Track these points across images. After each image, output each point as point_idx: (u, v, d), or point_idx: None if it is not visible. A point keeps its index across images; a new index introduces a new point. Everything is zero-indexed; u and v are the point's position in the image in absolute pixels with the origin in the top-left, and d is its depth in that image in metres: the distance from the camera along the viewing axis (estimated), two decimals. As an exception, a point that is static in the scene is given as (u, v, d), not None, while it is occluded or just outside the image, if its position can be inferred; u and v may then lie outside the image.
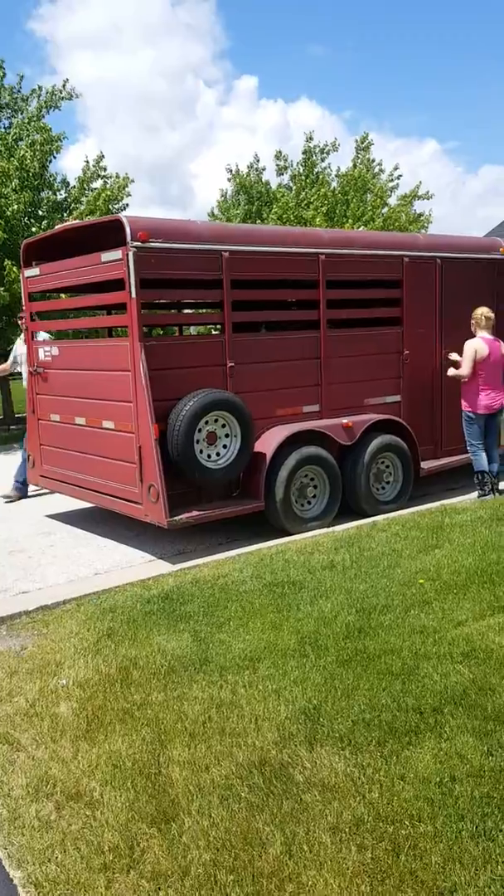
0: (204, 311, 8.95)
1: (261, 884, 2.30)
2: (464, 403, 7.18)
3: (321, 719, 3.20)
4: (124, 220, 5.67)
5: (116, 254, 5.73)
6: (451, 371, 7.20)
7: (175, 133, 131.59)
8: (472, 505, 6.83)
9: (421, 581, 4.79)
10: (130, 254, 5.58)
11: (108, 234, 6.00)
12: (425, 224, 19.65)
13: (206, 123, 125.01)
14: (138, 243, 5.59)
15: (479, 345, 7.03)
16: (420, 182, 19.68)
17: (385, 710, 3.22)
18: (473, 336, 7.13)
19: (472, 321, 7.15)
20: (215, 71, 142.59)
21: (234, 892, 2.26)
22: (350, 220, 17.53)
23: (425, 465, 7.50)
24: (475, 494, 7.23)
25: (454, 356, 7.31)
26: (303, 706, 3.31)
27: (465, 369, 7.03)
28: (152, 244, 5.72)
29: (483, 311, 7.15)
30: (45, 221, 13.22)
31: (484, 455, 7.14)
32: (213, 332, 10.79)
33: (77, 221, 9.96)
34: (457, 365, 7.19)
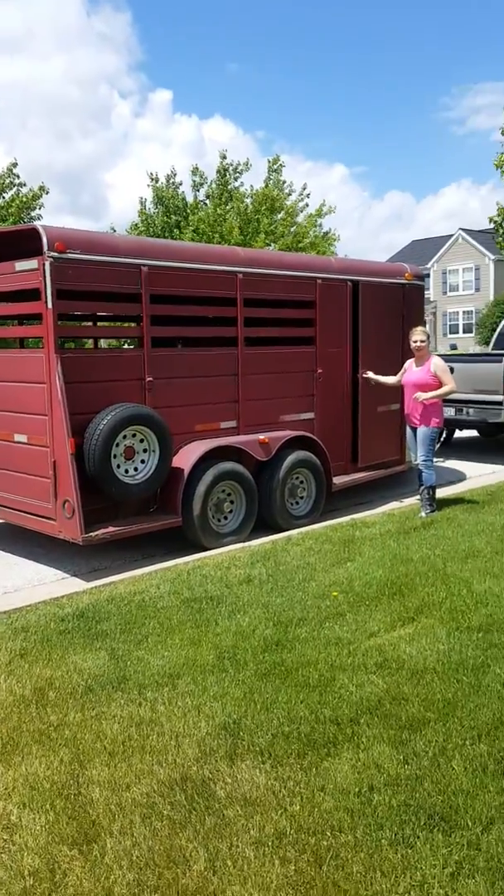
0: (120, 324, 8.88)
1: (185, 902, 2.30)
2: (433, 420, 7.23)
3: (241, 733, 3.23)
4: (41, 230, 5.58)
5: (32, 263, 5.62)
6: (436, 392, 7.11)
7: (88, 142, 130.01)
8: (380, 519, 7.04)
9: (335, 594, 4.91)
10: (47, 264, 5.49)
11: (23, 242, 5.88)
12: (331, 241, 20.22)
13: (120, 134, 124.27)
14: (55, 254, 5.51)
15: (443, 361, 7.33)
16: (325, 200, 20.26)
17: (304, 723, 3.29)
18: (418, 355, 7.35)
19: (423, 342, 7.33)
20: (130, 82, 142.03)
21: (158, 912, 2.25)
22: (262, 236, 17.84)
23: (337, 480, 7.68)
24: (384, 507, 7.45)
25: (371, 375, 7.58)
26: (223, 721, 3.33)
27: (452, 383, 7.16)
28: (70, 255, 5.65)
29: (427, 332, 7.46)
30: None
31: (435, 470, 7.33)
32: (126, 346, 10.72)
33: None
34: (427, 387, 7.19)
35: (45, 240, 5.50)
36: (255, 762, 3.02)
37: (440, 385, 7.16)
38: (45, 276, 5.51)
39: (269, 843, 2.53)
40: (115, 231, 19.42)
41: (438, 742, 3.08)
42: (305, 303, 7.48)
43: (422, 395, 7.12)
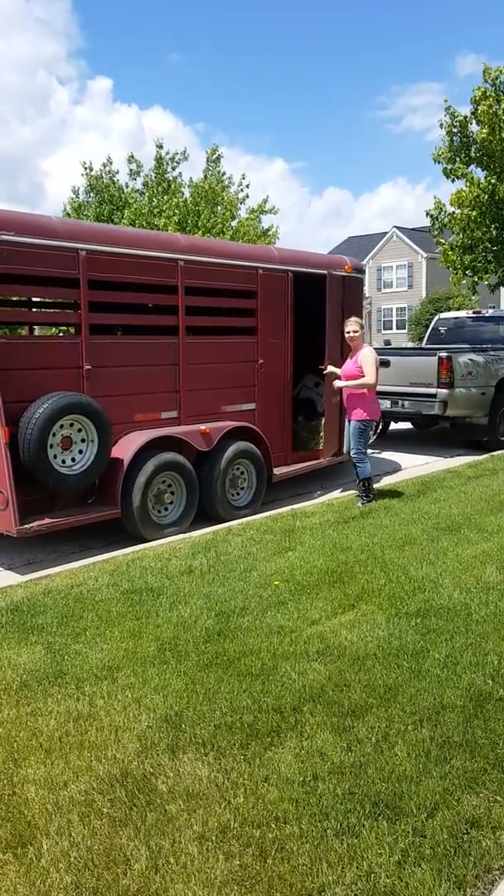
0: (56, 310, 8.64)
1: (126, 901, 2.21)
2: (360, 413, 7.25)
3: (183, 725, 3.15)
4: (-28, 211, 5.35)
5: (-38, 245, 5.39)
6: (355, 381, 7.18)
7: (26, 128, 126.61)
8: (320, 509, 7.06)
9: (276, 583, 4.88)
10: (-22, 246, 5.27)
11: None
12: (273, 239, 20.20)
13: (58, 121, 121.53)
14: (-13, 236, 5.30)
15: (374, 353, 7.31)
16: (267, 196, 20.17)
17: (246, 712, 3.24)
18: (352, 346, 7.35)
19: (355, 332, 7.35)
20: (69, 69, 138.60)
21: (98, 913, 2.16)
22: (201, 231, 17.67)
23: (277, 471, 7.66)
24: (324, 497, 7.47)
25: (332, 369, 7.57)
26: (164, 713, 3.25)
27: (371, 376, 7.12)
28: (3, 237, 5.44)
29: (361, 323, 7.49)
30: None
31: (368, 462, 7.36)
32: (63, 333, 10.46)
33: None
34: (353, 378, 7.24)
35: (-24, 220, 5.27)
36: (197, 754, 2.95)
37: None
38: (-24, 258, 5.29)
39: (213, 838, 2.47)
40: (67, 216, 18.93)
41: (381, 728, 3.07)
42: (247, 292, 7.43)
43: (338, 383, 7.24)
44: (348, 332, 7.36)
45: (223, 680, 3.54)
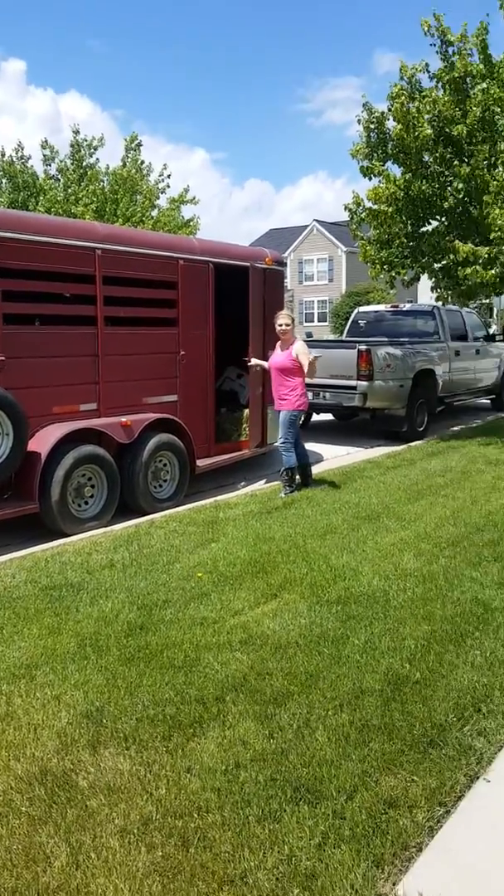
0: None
1: (46, 900, 2.18)
2: (289, 403, 7.36)
3: (104, 721, 3.12)
4: None
5: None
6: (307, 365, 7.20)
7: None
8: (243, 500, 7.09)
9: (199, 574, 4.87)
10: None
11: None
12: (194, 230, 20.07)
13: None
14: None
15: (306, 346, 7.39)
16: (188, 186, 19.96)
17: (169, 704, 3.23)
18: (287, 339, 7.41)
19: (287, 325, 7.40)
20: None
21: (16, 915, 2.12)
22: (120, 220, 17.39)
23: (201, 462, 7.65)
24: (248, 488, 7.51)
25: (257, 362, 7.57)
26: (85, 709, 3.20)
27: (308, 363, 7.20)
28: None
29: (292, 316, 7.56)
30: None
31: (294, 452, 7.43)
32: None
33: None
34: (288, 370, 7.33)
35: None
36: (118, 748, 2.93)
37: (300, 368, 7.29)
38: None
39: (135, 831, 2.46)
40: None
41: (302, 714, 3.12)
42: (168, 283, 7.36)
43: (311, 354, 7.30)
44: (280, 325, 7.43)
45: (145, 673, 3.52)
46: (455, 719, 3.04)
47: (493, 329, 19.10)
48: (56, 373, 6.30)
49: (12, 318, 6.08)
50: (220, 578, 4.82)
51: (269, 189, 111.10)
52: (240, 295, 8.18)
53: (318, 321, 47.77)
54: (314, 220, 49.20)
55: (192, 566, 5.09)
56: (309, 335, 17.94)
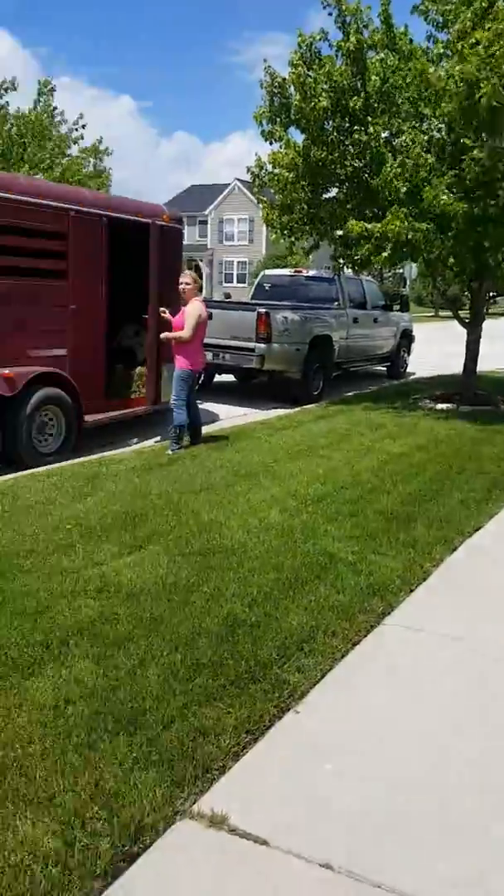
0: None
1: None
2: (181, 361, 7.46)
3: None
4: None
5: None
6: (172, 333, 7.40)
7: None
8: (129, 456, 7.18)
9: (69, 526, 4.96)
10: None
11: None
12: (105, 181, 19.54)
13: None
14: None
15: (200, 308, 7.47)
16: (101, 137, 19.28)
17: (13, 647, 3.33)
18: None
19: (186, 284, 7.43)
20: None
21: None
22: (27, 166, 16.77)
23: (89, 418, 7.66)
24: (138, 446, 7.59)
25: (167, 335, 7.59)
26: None
27: (188, 331, 7.32)
28: None
29: (194, 277, 7.57)
30: None
31: (185, 410, 7.51)
32: None
33: None
34: (166, 327, 7.42)
35: None
36: (-45, 688, 3.02)
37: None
38: None
39: (-44, 761, 2.58)
40: None
41: (139, 655, 3.28)
42: (57, 234, 7.26)
43: (162, 335, 7.45)
44: (180, 285, 7.48)
45: (-6, 618, 3.60)
46: (277, 657, 3.28)
47: (405, 295, 19.50)
48: None
49: None
50: (88, 531, 4.92)
51: (197, 143, 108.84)
52: (137, 251, 8.14)
53: (238, 282, 47.62)
54: (235, 178, 48.64)
55: (63, 518, 5.16)
56: (227, 295, 17.94)
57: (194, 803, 2.44)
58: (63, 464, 6.93)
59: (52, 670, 3.16)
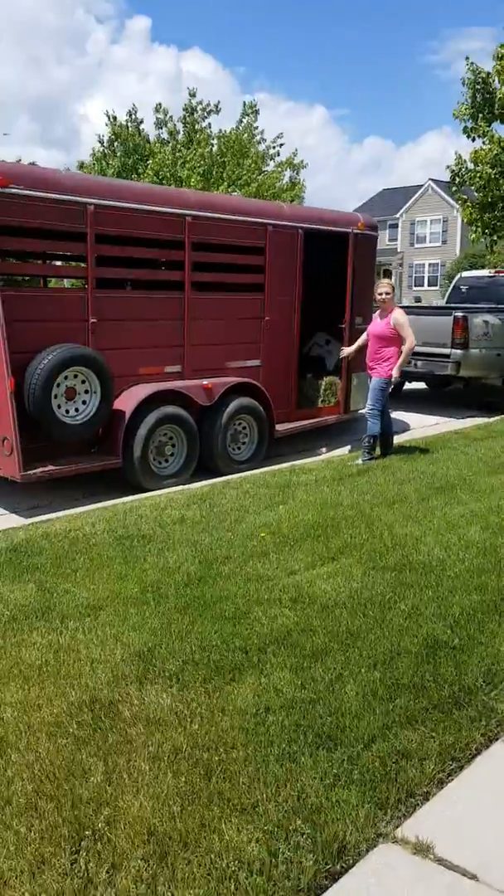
0: (67, 264, 8.77)
1: (80, 809, 2.46)
2: (382, 370, 7.41)
3: (154, 660, 3.39)
4: (-20, 163, 5.48)
5: (-29, 197, 5.53)
6: (406, 346, 7.28)
7: (63, 68, 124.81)
8: (318, 465, 7.22)
9: (262, 534, 5.07)
10: (-13, 199, 5.41)
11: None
12: (299, 193, 19.91)
13: (95, 61, 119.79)
14: (-3, 188, 5.43)
15: (406, 315, 7.44)
16: (296, 150, 19.68)
17: (214, 651, 3.46)
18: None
19: (387, 294, 7.42)
20: (107, 6, 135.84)
21: (51, 817, 2.42)
22: (226, 183, 17.53)
23: (280, 427, 7.81)
24: (327, 455, 7.61)
25: (347, 351, 7.85)
26: (138, 649, 3.49)
27: (412, 338, 7.31)
28: (13, 190, 5.58)
29: (392, 285, 7.62)
30: None
31: (380, 421, 7.49)
32: (69, 286, 10.59)
33: None
34: (385, 339, 7.40)
35: (-16, 173, 5.40)
36: (163, 686, 3.19)
37: (398, 337, 7.28)
38: (-17, 211, 5.44)
39: (165, 758, 2.71)
40: (69, 170, 18.88)
41: (336, 669, 3.27)
42: (255, 249, 7.48)
43: (403, 354, 7.32)
44: (379, 294, 7.44)
45: (197, 621, 3.76)
46: (484, 684, 3.12)
47: None
48: (143, 335, 6.60)
49: (104, 283, 6.40)
50: (281, 539, 5.00)
51: (389, 146, 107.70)
52: (330, 258, 8.19)
53: (429, 285, 46.42)
54: (429, 178, 47.49)
55: (257, 526, 5.30)
56: (417, 299, 17.57)
57: (397, 827, 2.38)
58: (255, 472, 7.11)
59: (252, 677, 3.24)
